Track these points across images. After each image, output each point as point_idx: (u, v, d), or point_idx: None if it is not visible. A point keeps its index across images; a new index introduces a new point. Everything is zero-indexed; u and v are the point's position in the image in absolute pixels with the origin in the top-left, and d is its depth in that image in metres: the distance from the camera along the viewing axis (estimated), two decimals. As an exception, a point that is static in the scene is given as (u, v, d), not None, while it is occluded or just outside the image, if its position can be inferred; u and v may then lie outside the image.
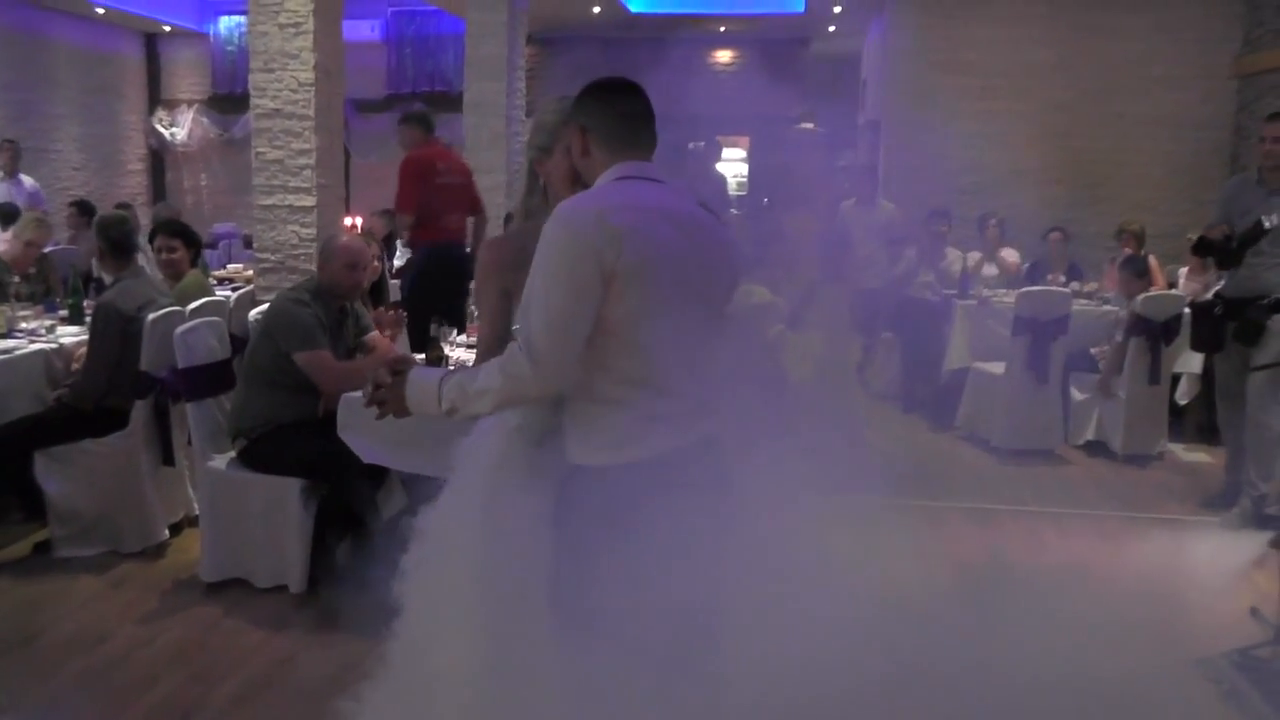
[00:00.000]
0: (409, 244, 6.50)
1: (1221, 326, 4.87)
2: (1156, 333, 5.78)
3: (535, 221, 2.28)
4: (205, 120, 12.87)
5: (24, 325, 4.93)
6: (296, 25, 5.25)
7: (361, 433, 3.63)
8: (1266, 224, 4.58)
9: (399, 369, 2.07)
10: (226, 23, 12.68)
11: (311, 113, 5.37)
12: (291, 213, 5.45)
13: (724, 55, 13.08)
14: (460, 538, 2.17)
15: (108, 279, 4.64)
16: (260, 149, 5.42)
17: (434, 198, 6.03)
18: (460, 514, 2.19)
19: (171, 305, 4.34)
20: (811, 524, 3.06)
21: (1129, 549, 4.51)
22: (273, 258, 5.50)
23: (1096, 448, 6.02)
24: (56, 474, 4.16)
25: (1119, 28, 8.90)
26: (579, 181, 2.20)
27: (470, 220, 6.46)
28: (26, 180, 8.77)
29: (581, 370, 1.94)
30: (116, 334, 4.15)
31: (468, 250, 6.27)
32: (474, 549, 2.14)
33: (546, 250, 1.91)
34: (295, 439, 3.79)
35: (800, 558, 3.38)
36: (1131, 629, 3.56)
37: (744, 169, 13.33)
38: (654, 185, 2.06)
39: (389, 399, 2.06)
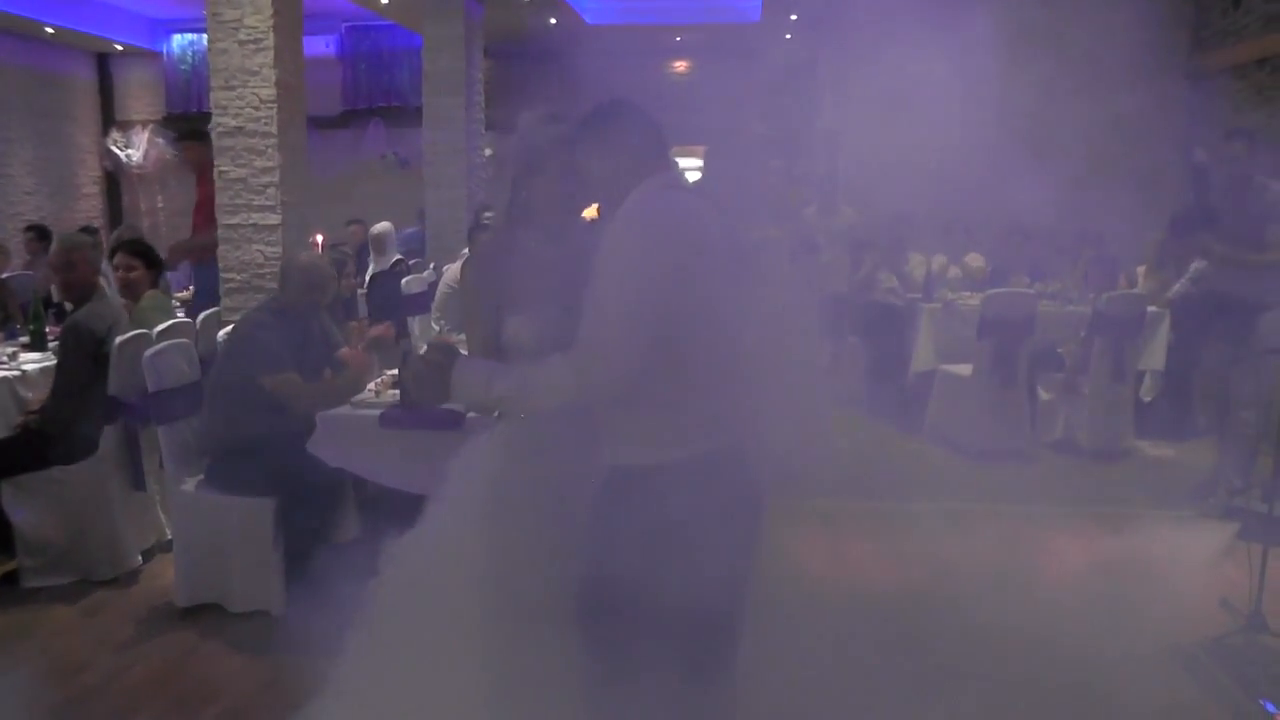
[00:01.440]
0: (199, 262, 6.20)
1: (1209, 324, 5.02)
2: (1120, 331, 5.89)
3: (512, 237, 2.33)
4: (161, 140, 12.71)
5: (-18, 352, 4.85)
6: (256, 41, 5.20)
7: (337, 450, 3.62)
8: (1198, 156, 4.76)
9: (447, 352, 2.07)
10: (180, 41, 12.54)
11: (274, 130, 5.32)
12: (256, 231, 5.39)
13: (680, 65, 13.15)
14: (460, 552, 2.18)
15: (68, 305, 4.55)
16: (223, 168, 5.36)
17: None
18: (458, 529, 2.20)
19: (137, 329, 4.27)
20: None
21: (1100, 544, 4.59)
22: (238, 277, 5.44)
23: (1064, 446, 6.11)
24: (24, 503, 4.09)
25: (1073, 32, 9.05)
26: (574, 201, 2.27)
27: None
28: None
29: (641, 371, 1.97)
30: (88, 355, 4.09)
31: None
32: (477, 563, 2.15)
33: (626, 254, 1.94)
34: (260, 458, 3.76)
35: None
36: (1107, 621, 3.64)
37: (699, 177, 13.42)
38: (686, 192, 2.12)
39: (433, 381, 2.04)
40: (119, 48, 12.45)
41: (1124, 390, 6.02)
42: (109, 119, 12.90)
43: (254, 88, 5.24)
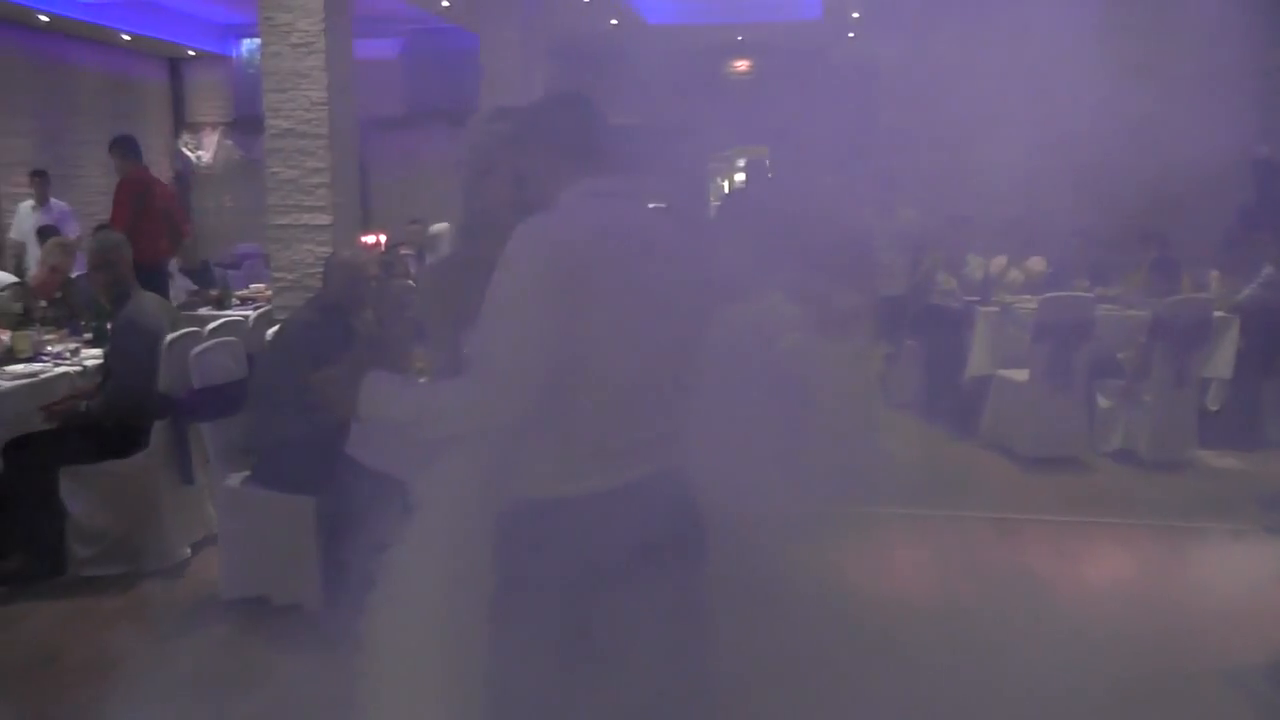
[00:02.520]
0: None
1: None
2: (1183, 337, 5.70)
3: (476, 243, 2.20)
4: (229, 142, 13.03)
5: (49, 349, 5.00)
6: (308, 45, 5.29)
7: (374, 451, 3.64)
8: (1261, 152, 4.63)
9: (356, 365, 1.96)
10: (249, 45, 12.82)
11: (325, 131, 5.40)
12: (307, 231, 5.48)
13: (741, 64, 13.08)
14: (426, 574, 2.12)
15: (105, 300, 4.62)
16: (275, 168, 5.46)
17: (146, 220, 6.42)
18: (425, 550, 2.14)
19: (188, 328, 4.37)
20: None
21: (1156, 558, 4.43)
22: (289, 277, 5.53)
23: (1124, 455, 5.91)
24: (80, 494, 4.19)
25: (1137, 27, 8.79)
26: (522, 202, 2.06)
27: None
28: (57, 204, 8.95)
29: (540, 399, 1.82)
30: (145, 351, 4.18)
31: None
32: (440, 585, 2.08)
33: (510, 272, 1.78)
34: (303, 456, 3.80)
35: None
36: (1160, 640, 3.51)
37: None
38: (621, 202, 1.93)
39: (343, 395, 1.92)
40: (191, 53, 12.79)
41: (1187, 398, 5.81)
42: (180, 121, 13.24)
43: (305, 90, 5.32)
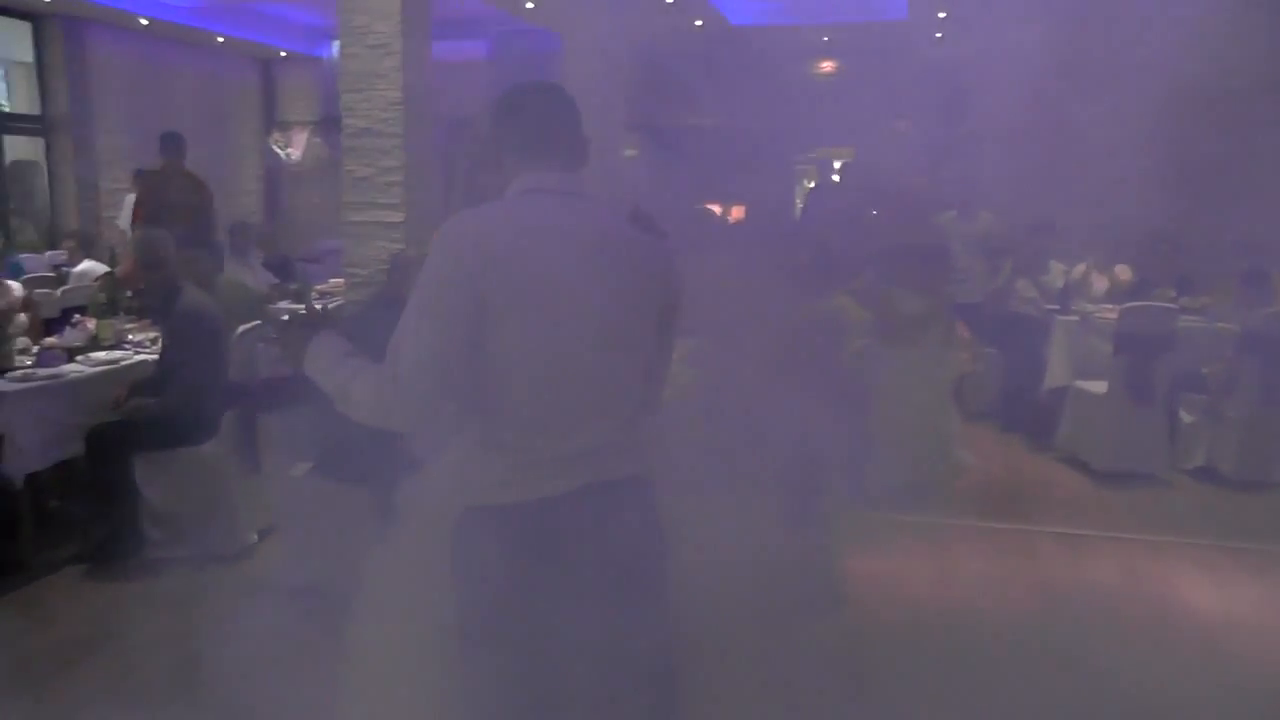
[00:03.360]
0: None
1: None
2: (1275, 351, 5.44)
3: None
4: (318, 140, 13.36)
5: (131, 337, 5.18)
6: (385, 46, 5.39)
7: (435, 446, 3.69)
8: None
9: (308, 324, 1.92)
10: (338, 46, 13.14)
11: (400, 131, 5.48)
12: (381, 228, 5.58)
13: (826, 64, 12.93)
14: (409, 581, 2.13)
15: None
16: (350, 167, 5.58)
17: (162, 213, 6.66)
18: (408, 557, 2.16)
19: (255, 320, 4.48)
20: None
21: (1233, 583, 4.25)
22: (362, 272, 5.64)
23: (1206, 473, 5.68)
24: (152, 479, 4.33)
25: (1237, 25, 8.42)
26: (484, 195, 2.01)
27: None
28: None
29: (459, 407, 1.76)
30: (205, 341, 4.30)
31: None
32: (423, 593, 2.08)
33: (424, 271, 1.73)
34: (363, 448, 3.86)
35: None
36: (1230, 670, 3.36)
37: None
38: (559, 199, 1.82)
39: (294, 350, 1.89)
40: (282, 54, 13.16)
41: (1277, 415, 5.55)
42: (270, 120, 13.64)
43: (381, 90, 5.42)
